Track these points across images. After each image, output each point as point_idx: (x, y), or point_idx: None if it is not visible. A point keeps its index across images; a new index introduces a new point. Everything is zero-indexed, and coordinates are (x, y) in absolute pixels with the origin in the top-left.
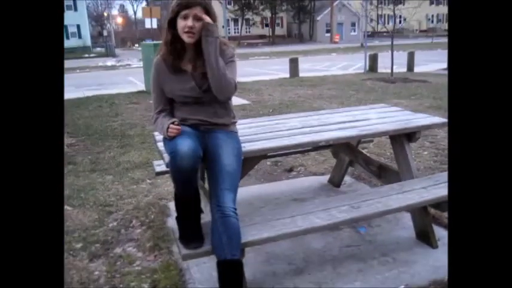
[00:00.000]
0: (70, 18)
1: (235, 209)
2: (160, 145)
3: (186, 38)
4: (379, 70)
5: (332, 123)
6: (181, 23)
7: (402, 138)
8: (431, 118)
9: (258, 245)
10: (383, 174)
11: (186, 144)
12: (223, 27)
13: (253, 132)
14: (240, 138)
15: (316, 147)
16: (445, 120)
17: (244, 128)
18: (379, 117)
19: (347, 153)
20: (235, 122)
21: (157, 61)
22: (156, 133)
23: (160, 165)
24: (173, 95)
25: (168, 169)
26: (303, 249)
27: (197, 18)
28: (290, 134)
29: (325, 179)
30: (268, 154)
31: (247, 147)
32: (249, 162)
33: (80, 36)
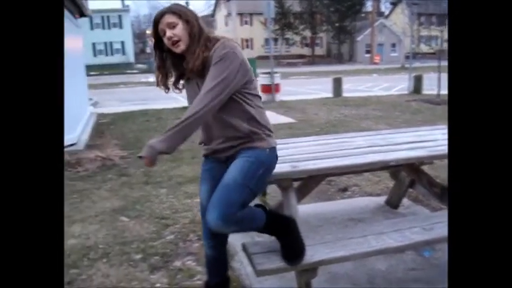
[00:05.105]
0: (115, 35)
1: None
2: None
3: (175, 49)
4: (424, 91)
5: (399, 143)
6: (165, 41)
7: None
8: None
9: (331, 263)
10: (445, 198)
11: (204, 196)
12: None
13: (319, 150)
14: (306, 155)
15: (385, 167)
16: None
17: (310, 145)
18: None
19: (410, 174)
20: (263, 135)
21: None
22: None
23: None
24: None
25: None
26: (366, 270)
27: (172, 26)
28: (358, 152)
29: (381, 200)
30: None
31: (316, 165)
32: (315, 180)
33: (123, 53)
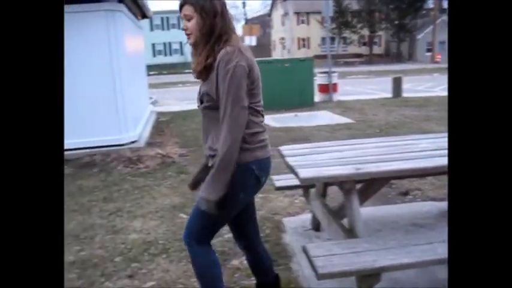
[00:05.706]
0: (174, 35)
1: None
2: (291, 160)
3: (188, 40)
4: None
5: None
6: None
7: None
8: None
9: (395, 270)
10: None
11: None
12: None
13: (383, 152)
14: (370, 157)
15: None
16: None
17: (373, 147)
18: None
19: None
20: (247, 149)
21: None
22: (282, 148)
23: (279, 180)
24: None
25: (289, 184)
26: (429, 278)
27: (188, 19)
28: (425, 155)
29: (444, 205)
30: None
31: (381, 167)
32: (379, 182)
33: (181, 53)
